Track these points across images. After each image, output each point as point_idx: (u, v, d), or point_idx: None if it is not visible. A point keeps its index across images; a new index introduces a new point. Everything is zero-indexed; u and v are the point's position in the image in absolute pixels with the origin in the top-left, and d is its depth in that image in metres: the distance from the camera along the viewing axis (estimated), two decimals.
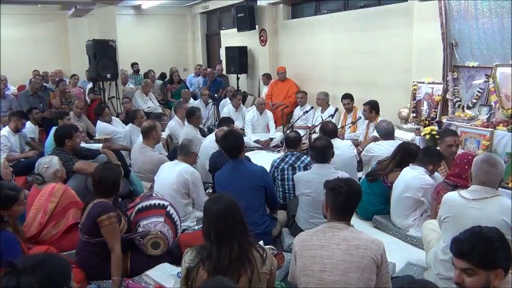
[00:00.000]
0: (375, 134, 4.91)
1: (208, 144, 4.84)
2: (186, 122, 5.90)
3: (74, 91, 8.15)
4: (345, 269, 2.05)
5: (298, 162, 3.99)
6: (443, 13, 4.79)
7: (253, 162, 3.81)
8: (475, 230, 1.79)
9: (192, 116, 5.64)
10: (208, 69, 9.76)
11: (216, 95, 9.00)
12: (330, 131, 4.40)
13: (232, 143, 3.48)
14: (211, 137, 4.88)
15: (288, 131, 5.43)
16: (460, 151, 3.86)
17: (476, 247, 1.71)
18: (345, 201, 2.18)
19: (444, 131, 4.12)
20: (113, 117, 6.60)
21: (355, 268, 2.04)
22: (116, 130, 5.95)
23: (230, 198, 2.17)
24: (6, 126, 5.39)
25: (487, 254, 1.70)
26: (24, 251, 2.57)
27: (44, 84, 8.20)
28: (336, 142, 4.13)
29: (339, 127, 5.89)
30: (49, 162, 3.46)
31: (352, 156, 4.42)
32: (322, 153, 3.47)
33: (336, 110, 6.36)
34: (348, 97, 6.12)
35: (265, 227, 3.39)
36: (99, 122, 6.09)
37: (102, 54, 7.20)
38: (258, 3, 8.76)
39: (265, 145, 6.63)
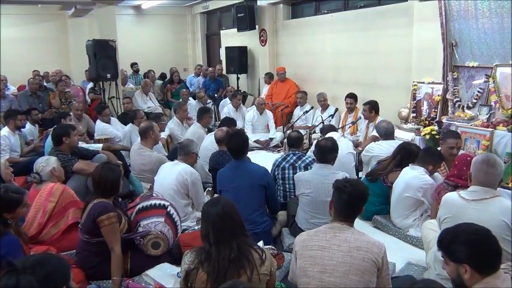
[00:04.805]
0: (374, 133, 4.91)
1: (208, 145, 4.82)
2: (185, 123, 5.90)
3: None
4: (345, 271, 2.04)
5: (299, 162, 3.99)
6: (443, 13, 4.79)
7: (255, 163, 3.81)
8: (469, 224, 1.88)
9: (203, 113, 5.66)
10: (210, 69, 9.76)
11: (216, 95, 9.00)
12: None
13: (236, 144, 3.52)
14: (211, 137, 4.86)
15: (289, 131, 5.43)
16: (460, 152, 3.85)
17: (445, 237, 1.84)
18: (347, 201, 2.17)
19: (447, 133, 4.07)
20: (112, 118, 6.59)
21: (355, 270, 2.04)
22: (114, 133, 5.88)
23: (227, 200, 2.18)
24: (6, 127, 5.37)
25: (449, 245, 1.82)
26: (26, 253, 2.56)
27: (45, 84, 8.19)
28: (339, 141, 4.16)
29: (339, 127, 5.91)
30: (46, 161, 3.48)
31: (348, 153, 4.41)
32: (324, 153, 3.47)
33: (336, 110, 6.37)
34: (351, 97, 6.09)
35: (264, 226, 3.39)
36: (98, 122, 6.08)
37: (102, 54, 7.19)
38: (258, 3, 8.75)
39: (265, 145, 6.64)
